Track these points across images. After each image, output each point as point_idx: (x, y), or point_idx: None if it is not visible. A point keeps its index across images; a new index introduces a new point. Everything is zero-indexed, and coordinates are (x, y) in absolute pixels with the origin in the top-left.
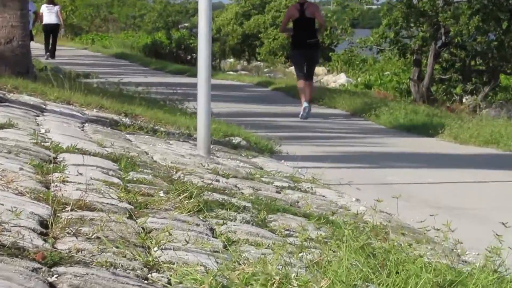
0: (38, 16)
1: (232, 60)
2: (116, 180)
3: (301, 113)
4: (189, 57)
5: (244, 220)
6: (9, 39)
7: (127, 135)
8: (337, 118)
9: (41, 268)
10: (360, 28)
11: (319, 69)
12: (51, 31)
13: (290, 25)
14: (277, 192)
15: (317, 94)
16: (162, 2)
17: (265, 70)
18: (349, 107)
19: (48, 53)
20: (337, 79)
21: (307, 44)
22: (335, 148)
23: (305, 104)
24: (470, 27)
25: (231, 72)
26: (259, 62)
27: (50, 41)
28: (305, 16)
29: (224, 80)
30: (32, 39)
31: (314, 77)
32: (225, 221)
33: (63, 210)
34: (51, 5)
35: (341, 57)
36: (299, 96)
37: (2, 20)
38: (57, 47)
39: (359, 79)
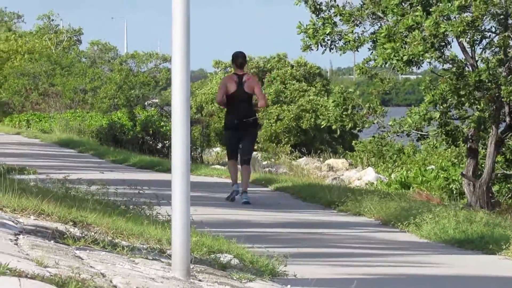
0: None
1: (218, 149)
2: None
3: (232, 195)
4: (159, 145)
5: None
6: None
7: (77, 251)
8: (363, 229)
9: None
10: (395, 105)
11: (338, 162)
12: None
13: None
14: None
15: (336, 197)
16: (123, 70)
17: (264, 163)
18: (379, 214)
19: None
20: (363, 176)
21: (244, 124)
22: (362, 269)
23: (239, 189)
24: None
25: (218, 166)
26: (255, 152)
27: None
28: (243, 90)
29: (208, 176)
30: None
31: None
32: None
33: None
34: None
35: (368, 146)
36: (231, 175)
37: None
38: None
39: (393, 176)
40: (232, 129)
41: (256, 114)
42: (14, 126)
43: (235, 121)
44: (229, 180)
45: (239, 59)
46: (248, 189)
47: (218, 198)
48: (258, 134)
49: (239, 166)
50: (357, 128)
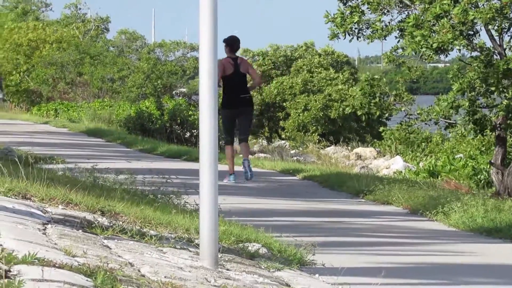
0: None
1: None
2: None
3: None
4: (187, 134)
5: None
6: None
7: (105, 241)
8: (391, 218)
9: None
10: (422, 94)
11: (366, 151)
12: None
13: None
14: None
15: (364, 186)
16: (151, 59)
17: (292, 152)
18: (407, 203)
19: None
20: (391, 164)
21: (240, 102)
22: (390, 257)
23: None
24: None
25: None
26: (283, 141)
27: None
28: (239, 72)
29: (236, 165)
30: None
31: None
32: None
33: None
34: None
35: (395, 134)
36: (228, 163)
37: None
38: (8, 122)
39: (421, 164)
40: (229, 107)
41: (250, 93)
42: (42, 115)
43: (232, 98)
44: (256, 170)
45: (237, 43)
46: (282, 178)
47: (246, 187)
48: (253, 114)
49: (237, 148)
50: (385, 116)
